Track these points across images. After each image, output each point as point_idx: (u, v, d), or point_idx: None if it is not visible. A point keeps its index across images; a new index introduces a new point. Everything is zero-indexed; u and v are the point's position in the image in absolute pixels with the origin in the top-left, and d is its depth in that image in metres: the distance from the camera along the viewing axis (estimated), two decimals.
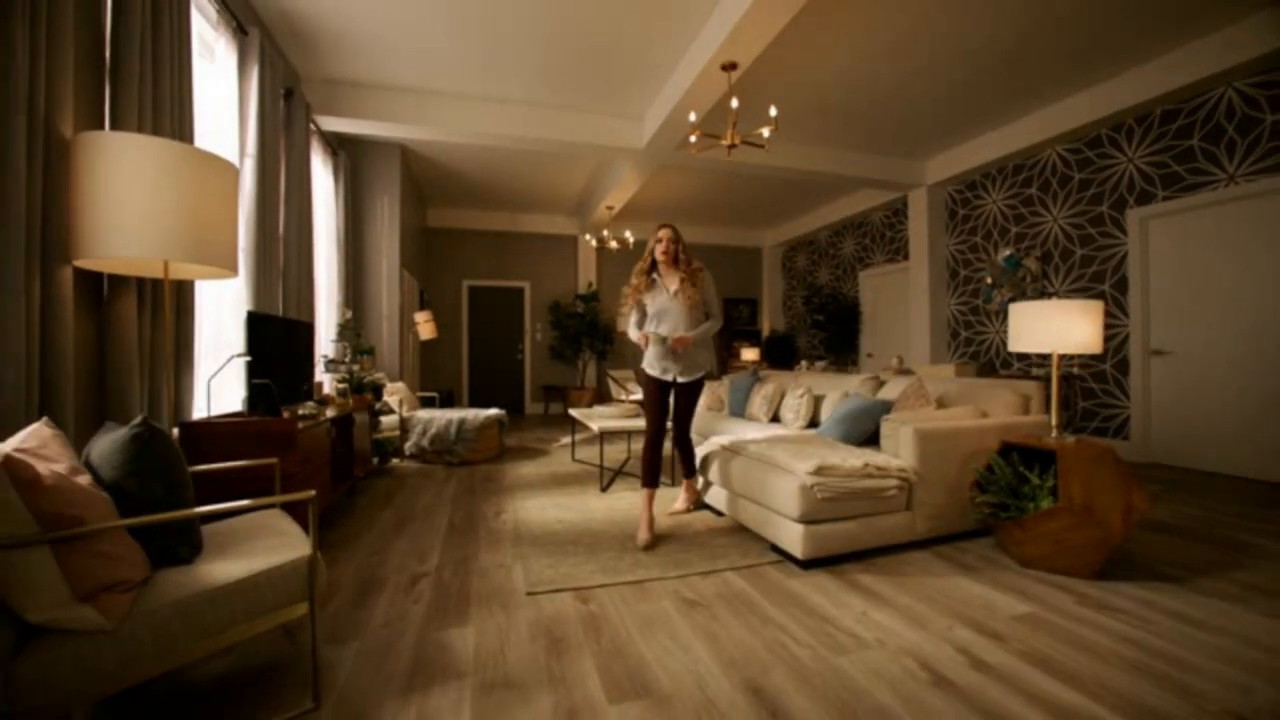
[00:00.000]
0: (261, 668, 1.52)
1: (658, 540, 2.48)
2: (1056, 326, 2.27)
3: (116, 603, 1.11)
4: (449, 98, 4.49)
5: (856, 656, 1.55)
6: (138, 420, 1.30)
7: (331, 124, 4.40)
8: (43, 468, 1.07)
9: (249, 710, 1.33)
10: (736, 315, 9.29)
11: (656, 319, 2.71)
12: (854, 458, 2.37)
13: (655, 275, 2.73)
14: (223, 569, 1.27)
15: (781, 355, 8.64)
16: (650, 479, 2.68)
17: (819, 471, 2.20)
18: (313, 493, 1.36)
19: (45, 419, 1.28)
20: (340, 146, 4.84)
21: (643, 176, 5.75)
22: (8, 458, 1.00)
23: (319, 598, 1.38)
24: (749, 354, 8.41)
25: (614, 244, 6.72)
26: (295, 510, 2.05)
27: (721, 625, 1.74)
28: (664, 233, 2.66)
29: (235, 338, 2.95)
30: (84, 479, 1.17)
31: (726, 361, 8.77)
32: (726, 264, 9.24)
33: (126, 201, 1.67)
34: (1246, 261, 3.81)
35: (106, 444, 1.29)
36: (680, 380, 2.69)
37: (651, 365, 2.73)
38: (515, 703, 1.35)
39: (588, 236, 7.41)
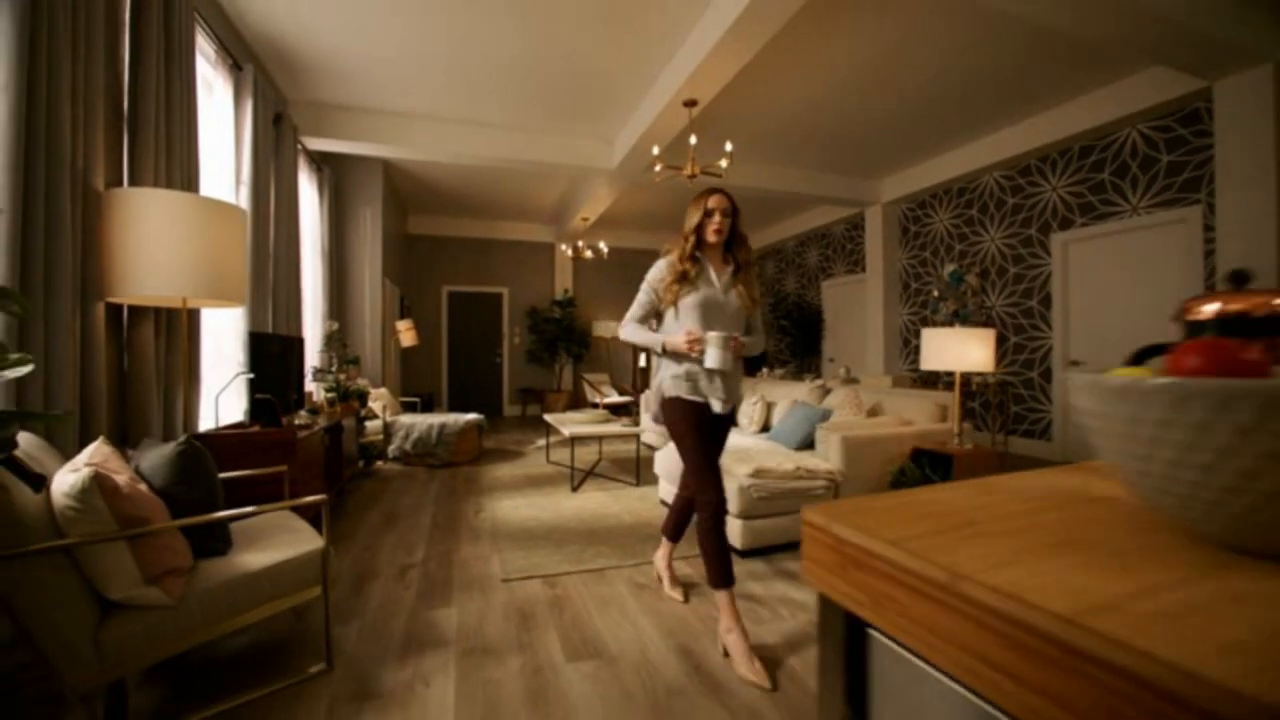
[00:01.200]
0: (277, 643, 1.82)
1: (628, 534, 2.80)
2: (956, 350, 2.67)
3: (175, 584, 1.40)
4: (429, 120, 4.75)
5: (771, 625, 1.92)
6: (183, 439, 1.59)
7: (317, 144, 4.62)
8: (117, 479, 1.36)
9: (271, 673, 1.63)
10: None
11: (692, 316, 1.88)
12: (789, 461, 2.74)
13: (698, 257, 1.94)
14: (253, 559, 1.57)
15: (751, 358, 9.04)
16: (675, 532, 2.15)
17: (756, 474, 2.56)
18: (325, 496, 1.67)
19: (103, 437, 1.56)
20: (324, 162, 5.06)
21: (615, 193, 6.08)
22: (97, 472, 1.29)
23: (330, 581, 1.68)
24: None
25: (589, 253, 7.03)
26: (298, 509, 2.33)
27: (665, 604, 2.09)
28: (717, 202, 1.88)
29: (232, 351, 3.20)
30: (143, 486, 1.46)
31: None
32: None
33: (152, 248, 1.94)
34: (1146, 283, 4.31)
35: (155, 457, 1.58)
36: (722, 411, 1.89)
37: (687, 385, 1.88)
38: (491, 663, 1.68)
39: (564, 246, 7.70)
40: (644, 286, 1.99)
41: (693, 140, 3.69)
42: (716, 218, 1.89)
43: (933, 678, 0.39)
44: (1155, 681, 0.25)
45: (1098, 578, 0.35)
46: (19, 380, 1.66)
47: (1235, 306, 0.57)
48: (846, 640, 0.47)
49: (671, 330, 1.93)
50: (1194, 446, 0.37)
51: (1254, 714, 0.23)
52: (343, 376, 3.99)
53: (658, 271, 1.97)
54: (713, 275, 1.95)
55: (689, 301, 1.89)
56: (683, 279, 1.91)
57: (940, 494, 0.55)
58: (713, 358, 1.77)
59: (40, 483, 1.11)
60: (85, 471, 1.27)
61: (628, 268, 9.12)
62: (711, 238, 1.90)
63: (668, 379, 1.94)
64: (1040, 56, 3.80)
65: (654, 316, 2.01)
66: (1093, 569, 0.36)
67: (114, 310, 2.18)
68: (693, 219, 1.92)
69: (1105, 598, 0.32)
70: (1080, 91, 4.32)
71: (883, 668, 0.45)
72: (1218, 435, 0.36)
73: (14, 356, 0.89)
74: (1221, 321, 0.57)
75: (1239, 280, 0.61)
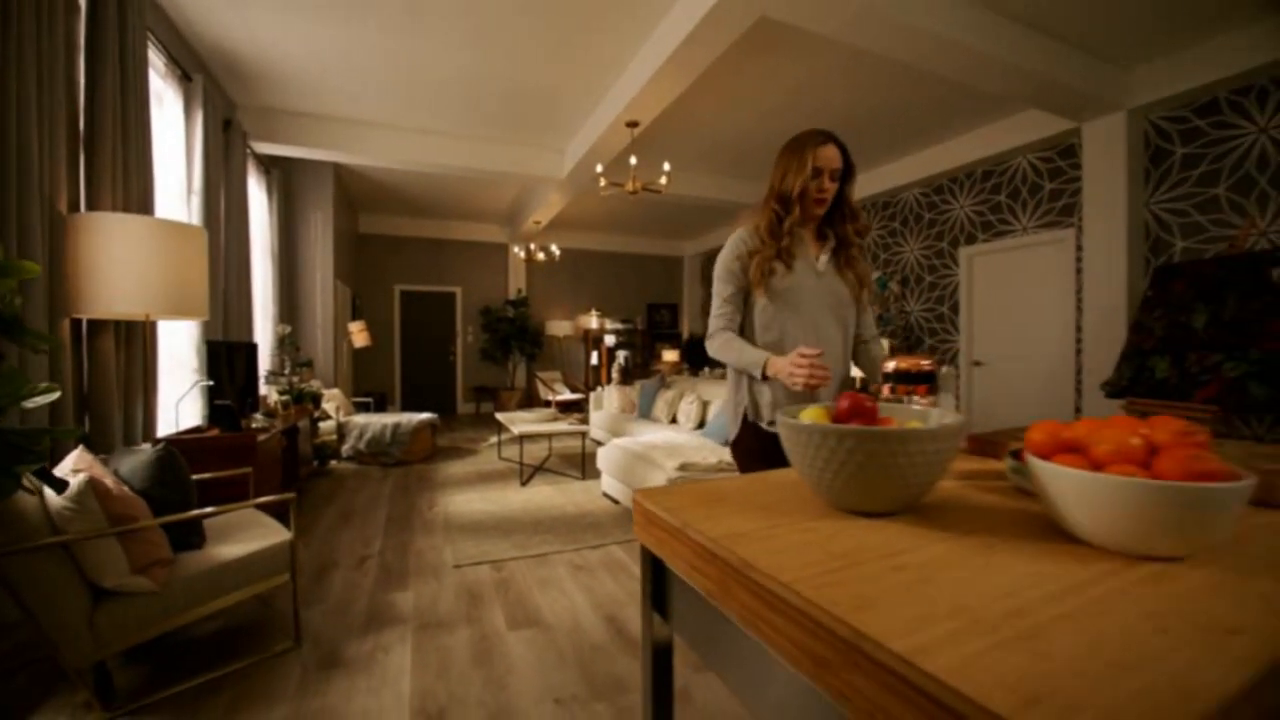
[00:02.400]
0: (246, 626, 2.03)
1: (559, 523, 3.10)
2: None
3: (159, 574, 1.61)
4: (380, 128, 4.86)
5: None
6: (161, 445, 1.78)
7: (266, 149, 4.66)
8: (106, 482, 1.56)
9: (243, 651, 1.85)
10: (659, 319, 10.05)
11: (778, 309, 1.44)
12: (713, 456, 3.10)
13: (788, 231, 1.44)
14: (228, 550, 1.79)
15: (700, 357, 9.46)
16: None
17: (682, 467, 2.91)
18: (293, 494, 1.89)
19: (82, 446, 1.74)
20: (273, 164, 5.08)
21: (566, 198, 6.31)
22: (91, 477, 1.49)
23: (297, 569, 1.91)
24: (670, 355, 9.19)
25: (540, 255, 7.24)
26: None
27: (599, 582, 2.41)
28: (829, 158, 1.39)
29: (184, 355, 3.30)
30: (126, 488, 1.66)
31: (648, 363, 9.50)
32: (651, 271, 9.97)
33: (119, 270, 2.10)
34: (1033, 293, 4.92)
35: (134, 462, 1.77)
36: None
37: (777, 408, 1.38)
38: (444, 634, 1.95)
39: (517, 248, 7.87)
40: (721, 273, 1.48)
41: (632, 161, 4.00)
42: (824, 180, 1.39)
43: (686, 584, 0.72)
44: (736, 566, 0.57)
45: (754, 523, 0.67)
46: None
47: (903, 365, 0.92)
48: (653, 569, 0.79)
49: (765, 325, 1.45)
50: (833, 457, 0.68)
51: (781, 589, 0.54)
52: (296, 379, 4.11)
53: (741, 245, 1.47)
54: (810, 253, 1.48)
55: (779, 287, 1.43)
56: (767, 259, 1.42)
57: (725, 483, 0.87)
58: (772, 390, 1.36)
59: (64, 486, 1.31)
60: (81, 476, 1.47)
61: (580, 269, 9.36)
62: (814, 208, 1.42)
63: (765, 398, 1.42)
64: (941, 94, 4.28)
65: (741, 310, 1.50)
66: (756, 519, 0.69)
67: (74, 322, 2.30)
68: (794, 178, 1.40)
69: (745, 531, 0.64)
70: (981, 123, 4.87)
71: (671, 584, 0.77)
72: (843, 453, 0.66)
73: (43, 385, 1.10)
74: (896, 374, 0.93)
75: (910, 347, 0.99)
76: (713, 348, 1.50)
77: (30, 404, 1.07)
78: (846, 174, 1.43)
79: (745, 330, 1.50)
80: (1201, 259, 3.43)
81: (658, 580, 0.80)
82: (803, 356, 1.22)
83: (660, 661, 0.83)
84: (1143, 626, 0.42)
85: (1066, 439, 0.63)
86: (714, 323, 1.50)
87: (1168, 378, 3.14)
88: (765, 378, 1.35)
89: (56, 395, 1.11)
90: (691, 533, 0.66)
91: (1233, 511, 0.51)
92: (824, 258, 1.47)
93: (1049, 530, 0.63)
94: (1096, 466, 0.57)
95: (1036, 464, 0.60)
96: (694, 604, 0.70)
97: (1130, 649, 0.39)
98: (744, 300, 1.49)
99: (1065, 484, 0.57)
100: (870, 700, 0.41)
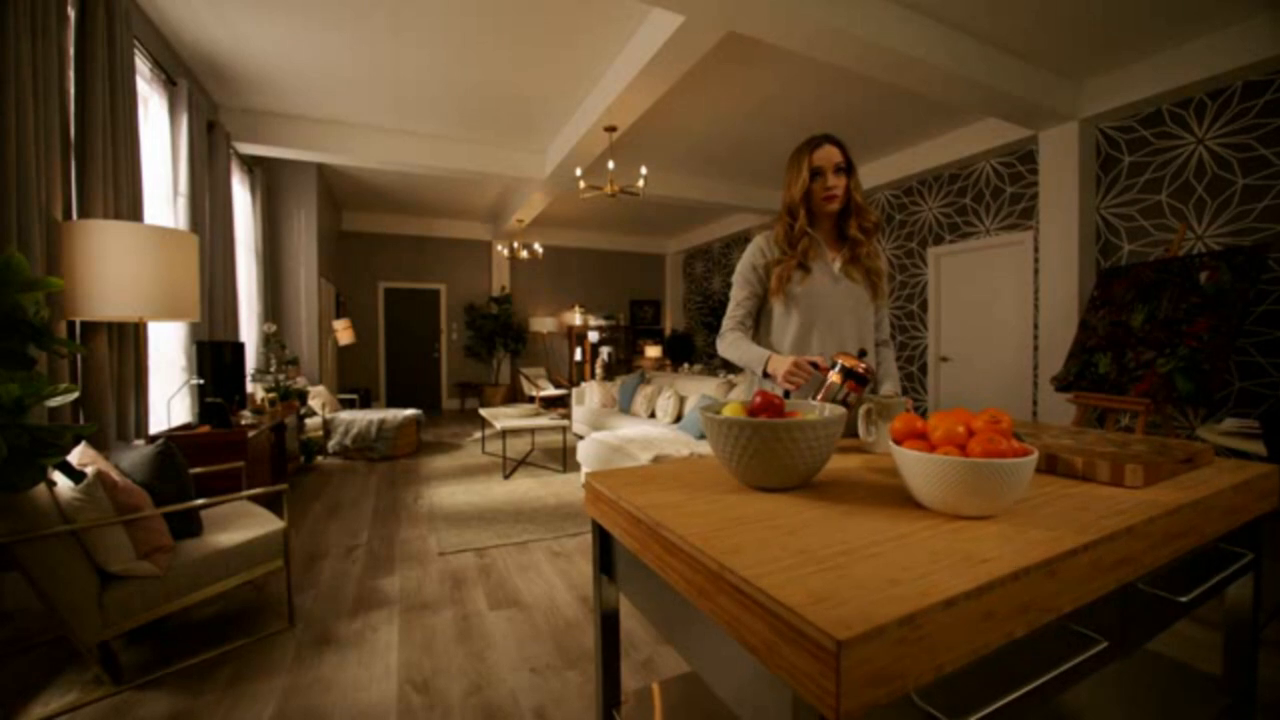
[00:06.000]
0: (241, 611, 2.16)
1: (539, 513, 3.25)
2: None
3: (162, 559, 1.74)
4: (363, 129, 4.94)
5: None
6: (161, 441, 1.90)
7: (250, 149, 4.72)
8: (113, 475, 1.68)
9: (239, 633, 1.98)
10: (642, 315, 10.21)
11: (798, 315, 1.49)
12: (686, 449, 3.28)
13: (808, 233, 1.47)
14: (226, 538, 1.92)
15: (681, 352, 9.65)
16: None
17: (656, 459, 3.08)
18: (285, 485, 2.03)
19: (85, 442, 1.85)
20: (256, 164, 5.13)
21: (549, 198, 6.43)
22: (100, 470, 1.61)
23: (289, 556, 2.04)
24: (652, 351, 9.36)
25: (524, 254, 7.35)
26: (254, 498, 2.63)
27: (574, 566, 2.57)
28: (826, 157, 1.43)
29: (172, 354, 3.39)
30: (129, 481, 1.78)
31: (631, 359, 9.66)
32: (633, 267, 10.11)
33: (114, 276, 2.20)
34: (996, 291, 5.15)
35: (136, 457, 1.89)
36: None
37: None
38: (429, 614, 2.10)
39: (500, 246, 7.96)
40: (738, 279, 1.55)
41: (610, 165, 4.14)
42: (828, 178, 1.42)
43: (624, 547, 0.88)
44: (651, 526, 0.73)
45: (673, 496, 0.83)
46: None
47: (849, 363, 1.13)
48: (600, 538, 0.95)
49: (782, 331, 1.51)
50: (736, 443, 0.86)
51: (679, 540, 0.70)
52: (282, 377, 4.20)
53: (759, 255, 1.52)
54: (826, 257, 1.49)
55: (798, 292, 1.47)
56: (789, 265, 1.46)
57: (659, 467, 1.03)
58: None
59: (82, 476, 1.44)
60: (90, 469, 1.59)
61: (563, 266, 9.48)
62: (825, 205, 1.44)
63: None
64: (908, 102, 4.48)
65: (757, 314, 1.57)
66: (676, 494, 0.85)
67: (69, 323, 2.40)
68: (797, 184, 1.45)
69: (664, 502, 0.80)
70: (947, 129, 5.08)
71: (616, 550, 0.93)
72: (744, 440, 0.84)
73: (63, 386, 1.22)
74: (843, 368, 1.14)
75: (861, 355, 1.19)
76: (722, 347, 1.56)
77: (53, 403, 1.20)
78: (851, 169, 1.45)
79: (764, 334, 1.57)
80: (1143, 262, 3.66)
81: (605, 547, 0.96)
82: (798, 367, 1.29)
83: (609, 622, 0.99)
84: (924, 558, 0.58)
85: (918, 428, 0.80)
86: (726, 323, 1.56)
87: (1109, 373, 3.37)
88: (766, 375, 1.41)
89: (75, 395, 1.23)
90: (624, 504, 0.82)
91: (1018, 479, 0.68)
92: (839, 260, 1.50)
93: (903, 500, 0.80)
94: (932, 449, 0.74)
95: (892, 447, 0.77)
96: (629, 562, 0.87)
97: (906, 571, 0.55)
98: (759, 305, 1.56)
99: (906, 461, 0.74)
100: (729, 613, 0.57)
